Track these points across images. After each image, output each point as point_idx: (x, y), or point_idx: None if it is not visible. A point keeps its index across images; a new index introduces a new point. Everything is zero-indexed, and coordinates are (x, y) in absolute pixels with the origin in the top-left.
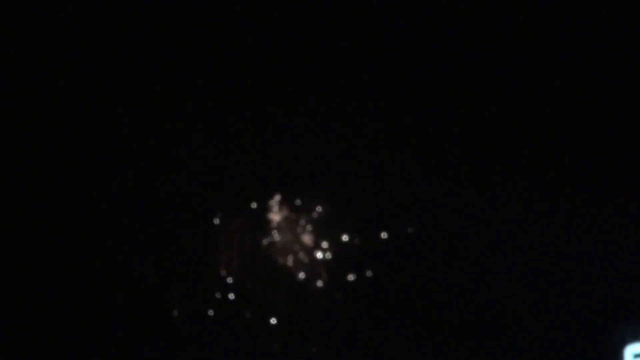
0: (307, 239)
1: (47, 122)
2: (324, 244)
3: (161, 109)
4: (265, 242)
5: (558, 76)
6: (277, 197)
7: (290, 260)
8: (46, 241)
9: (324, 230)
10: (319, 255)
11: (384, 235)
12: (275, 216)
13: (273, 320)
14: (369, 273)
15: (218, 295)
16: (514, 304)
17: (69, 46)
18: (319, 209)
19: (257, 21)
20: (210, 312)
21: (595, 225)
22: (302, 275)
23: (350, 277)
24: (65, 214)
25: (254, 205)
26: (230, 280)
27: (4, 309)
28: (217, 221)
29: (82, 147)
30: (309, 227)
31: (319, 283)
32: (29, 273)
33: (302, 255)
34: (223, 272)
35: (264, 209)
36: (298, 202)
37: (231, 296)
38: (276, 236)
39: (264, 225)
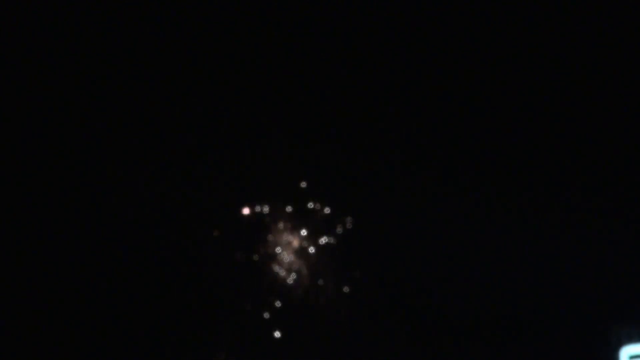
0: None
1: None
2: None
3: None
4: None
5: (557, 79)
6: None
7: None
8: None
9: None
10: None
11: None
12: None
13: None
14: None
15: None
16: (512, 306)
17: (70, 49)
18: (320, 211)
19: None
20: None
21: (593, 229)
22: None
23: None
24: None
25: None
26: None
27: (4, 309)
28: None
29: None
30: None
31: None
32: (30, 273)
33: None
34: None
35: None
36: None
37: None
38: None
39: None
